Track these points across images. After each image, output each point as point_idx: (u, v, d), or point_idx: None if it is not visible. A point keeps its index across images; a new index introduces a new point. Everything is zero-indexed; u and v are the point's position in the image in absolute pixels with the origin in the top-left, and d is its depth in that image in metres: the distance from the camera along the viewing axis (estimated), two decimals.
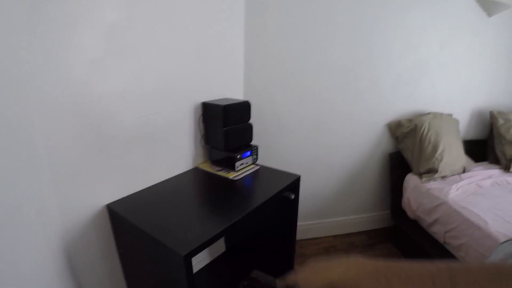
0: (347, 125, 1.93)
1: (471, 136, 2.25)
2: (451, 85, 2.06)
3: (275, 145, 1.81)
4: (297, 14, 1.61)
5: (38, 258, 0.75)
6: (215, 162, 1.37)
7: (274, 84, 1.71)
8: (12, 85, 0.70)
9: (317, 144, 1.92)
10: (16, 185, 0.68)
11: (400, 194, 1.97)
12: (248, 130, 1.35)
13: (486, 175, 1.86)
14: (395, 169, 2.01)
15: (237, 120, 1.28)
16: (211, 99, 1.32)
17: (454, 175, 1.85)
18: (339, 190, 2.09)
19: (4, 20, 0.67)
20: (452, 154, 1.84)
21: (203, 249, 0.83)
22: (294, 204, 1.28)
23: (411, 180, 1.91)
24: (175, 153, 1.27)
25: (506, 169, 1.92)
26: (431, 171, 1.82)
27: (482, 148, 2.17)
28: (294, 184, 1.23)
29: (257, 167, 1.35)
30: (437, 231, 1.64)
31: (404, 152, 1.98)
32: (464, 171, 1.88)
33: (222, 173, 1.28)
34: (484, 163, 2.08)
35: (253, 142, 1.38)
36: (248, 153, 1.33)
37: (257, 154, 1.38)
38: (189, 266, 0.79)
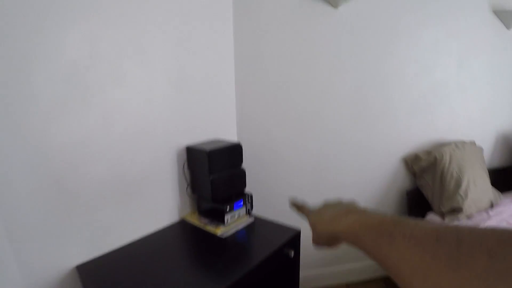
0: (357, 160, 1.73)
1: (496, 163, 2.08)
2: (471, 108, 1.91)
3: (274, 190, 1.60)
4: (296, 38, 1.47)
5: None
6: (203, 213, 1.19)
7: (272, 118, 1.53)
8: None
9: (323, 184, 1.70)
10: None
11: None
12: (240, 177, 1.17)
13: None
14: (414, 209, 1.82)
15: (226, 166, 1.13)
16: (197, 142, 1.18)
17: (481, 211, 1.68)
18: None
19: None
20: (477, 188, 1.68)
21: None
22: (294, 263, 1.11)
23: (432, 221, 1.68)
24: (156, 205, 1.13)
25: None
26: (455, 210, 1.64)
27: (509, 176, 2.00)
28: (293, 239, 1.07)
29: (252, 220, 1.17)
30: None
31: (423, 189, 1.79)
32: (491, 206, 1.71)
33: (210, 228, 1.10)
34: None
35: (248, 189, 1.21)
36: (240, 203, 1.14)
37: (251, 204, 1.19)
38: None
